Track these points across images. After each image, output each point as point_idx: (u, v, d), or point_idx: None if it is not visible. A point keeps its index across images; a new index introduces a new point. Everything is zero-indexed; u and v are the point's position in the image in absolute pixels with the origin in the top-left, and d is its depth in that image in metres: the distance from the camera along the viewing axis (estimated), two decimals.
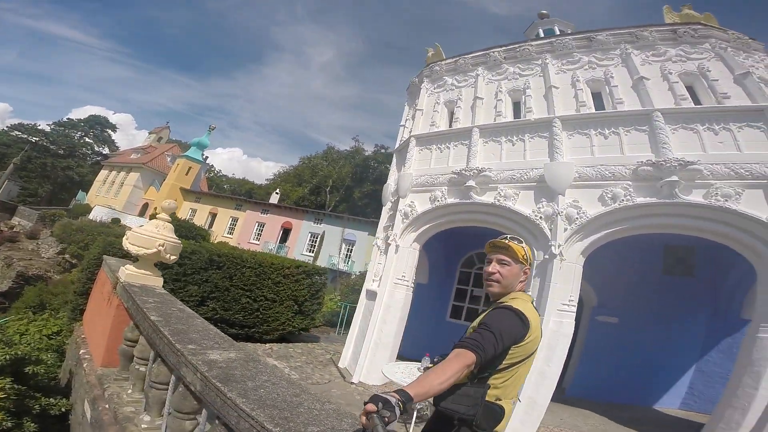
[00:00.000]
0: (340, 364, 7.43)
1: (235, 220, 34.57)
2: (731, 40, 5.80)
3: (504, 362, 1.63)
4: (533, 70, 6.89)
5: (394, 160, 8.84)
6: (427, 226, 7.36)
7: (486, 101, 7.18)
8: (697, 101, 5.59)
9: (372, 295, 7.65)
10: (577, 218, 5.65)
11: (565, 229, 5.68)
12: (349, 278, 23.19)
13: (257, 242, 32.35)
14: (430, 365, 5.22)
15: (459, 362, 1.47)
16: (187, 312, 3.34)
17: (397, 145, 8.89)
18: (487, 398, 1.62)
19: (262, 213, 33.84)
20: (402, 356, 7.27)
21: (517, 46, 7.22)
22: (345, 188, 43.68)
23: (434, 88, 8.26)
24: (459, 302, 9.48)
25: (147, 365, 2.94)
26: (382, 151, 43.96)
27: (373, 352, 6.84)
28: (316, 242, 32.04)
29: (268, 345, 7.93)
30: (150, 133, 53.11)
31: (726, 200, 4.97)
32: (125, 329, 3.59)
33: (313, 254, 31.27)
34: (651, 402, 7.31)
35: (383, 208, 8.70)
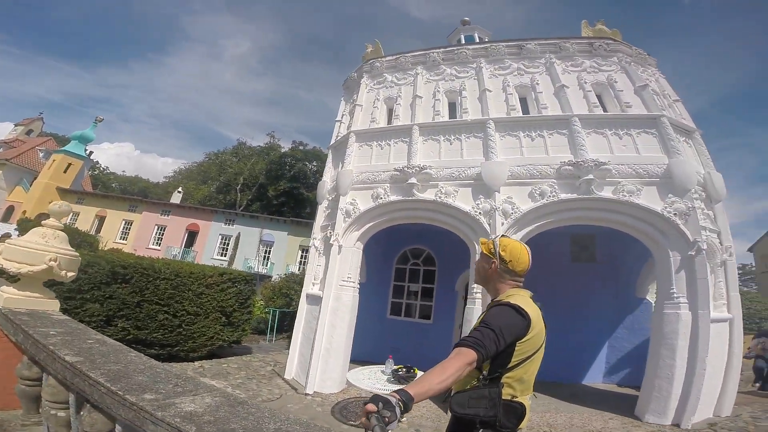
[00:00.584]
0: (287, 376, 6.83)
1: (129, 223, 30.11)
2: (634, 55, 6.69)
3: (513, 360, 1.61)
4: (468, 73, 7.14)
5: (330, 156, 8.43)
6: (371, 224, 7.13)
7: (425, 100, 7.23)
8: (605, 109, 6.32)
9: (314, 300, 7.17)
10: (512, 213, 5.99)
11: (502, 224, 5.97)
12: (269, 281, 21.85)
13: (158, 247, 28.68)
14: (396, 367, 4.95)
15: (459, 360, 1.43)
16: (110, 344, 2.60)
17: (332, 141, 8.49)
18: (504, 397, 1.60)
19: (162, 214, 30.05)
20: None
21: (455, 48, 7.43)
22: (258, 186, 40.89)
23: (374, 84, 8.05)
24: (397, 299, 9.45)
25: (67, 410, 2.20)
26: (301, 147, 41.96)
27: (324, 359, 6.40)
28: (228, 245, 29.56)
29: (197, 363, 6.92)
30: (17, 125, 43.40)
31: (630, 195, 5.70)
32: (17, 366, 2.69)
33: (226, 258, 28.80)
34: (579, 379, 8.09)
35: (319, 206, 8.24)
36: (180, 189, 33.57)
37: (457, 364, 1.42)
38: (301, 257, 29.04)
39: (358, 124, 7.75)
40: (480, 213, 6.12)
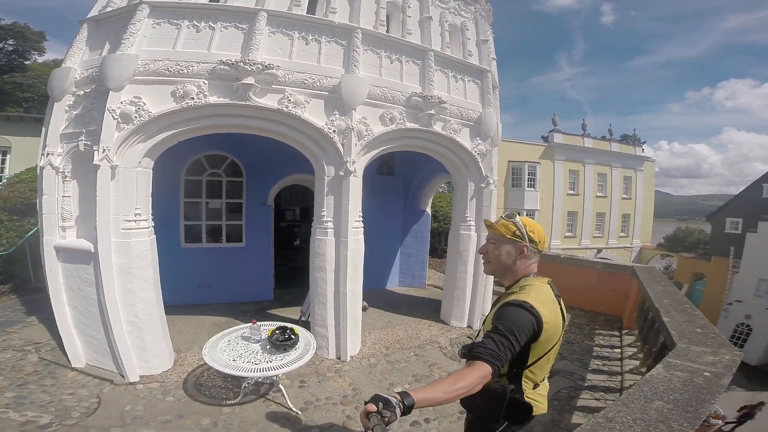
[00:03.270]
0: (76, 365, 4.35)
1: None
2: (485, 10, 6.92)
3: (531, 359, 1.59)
4: None
5: (86, 33, 4.99)
6: (170, 132, 4.73)
7: None
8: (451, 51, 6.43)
9: (75, 256, 4.44)
10: (365, 135, 5.46)
11: (356, 145, 5.35)
12: None
13: None
14: (269, 331, 3.90)
15: (473, 374, 1.36)
16: None
17: (95, 12, 5.03)
18: (514, 394, 1.58)
19: None
20: None
21: None
22: None
23: None
24: (193, 221, 7.15)
25: None
26: None
27: (136, 336, 4.19)
28: None
29: None
30: None
31: (454, 133, 6.31)
32: None
33: None
34: (383, 284, 8.87)
35: (56, 104, 4.89)
36: None
37: (471, 378, 1.34)
38: None
39: None
40: (334, 131, 5.19)
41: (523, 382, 1.60)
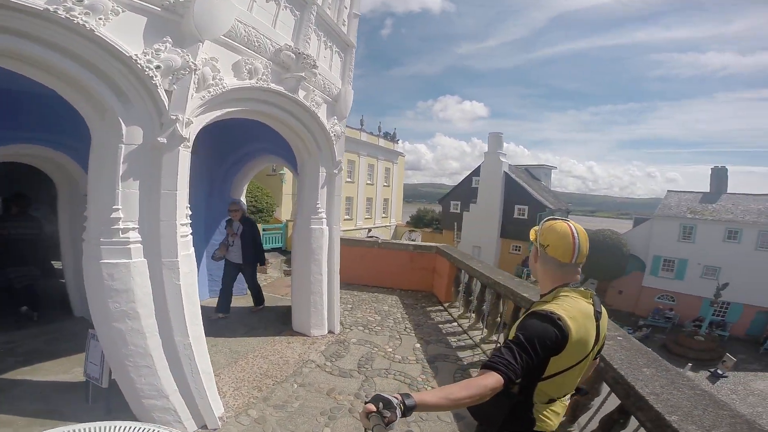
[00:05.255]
0: None
1: None
2: None
3: (546, 373, 1.47)
4: None
5: None
6: None
7: None
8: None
9: None
10: (212, 84, 3.60)
11: (192, 96, 3.41)
12: None
13: None
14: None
15: (484, 385, 1.28)
16: None
17: None
18: (521, 405, 1.51)
19: None
20: None
21: None
22: None
23: None
24: None
25: None
26: None
27: None
28: None
29: None
30: None
31: (317, 107, 5.31)
32: None
33: None
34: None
35: None
36: None
37: (480, 388, 1.26)
38: None
39: None
40: (157, 67, 3.06)
41: (534, 395, 1.50)
